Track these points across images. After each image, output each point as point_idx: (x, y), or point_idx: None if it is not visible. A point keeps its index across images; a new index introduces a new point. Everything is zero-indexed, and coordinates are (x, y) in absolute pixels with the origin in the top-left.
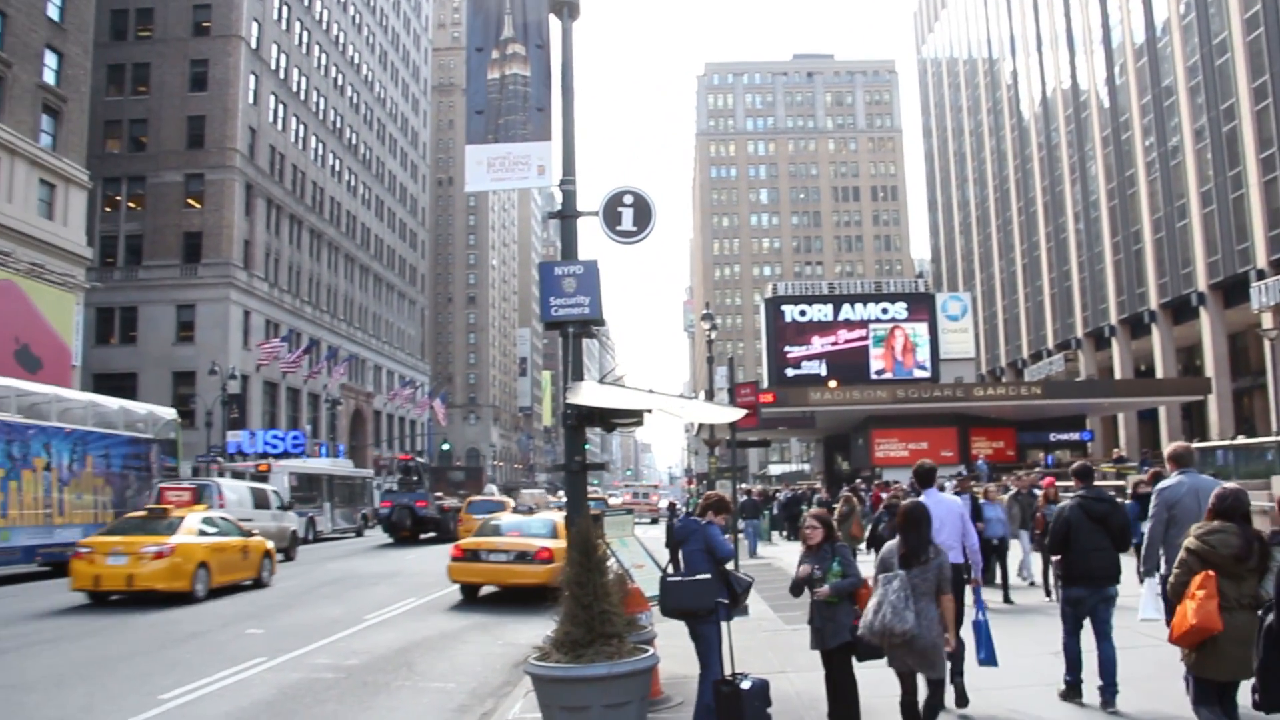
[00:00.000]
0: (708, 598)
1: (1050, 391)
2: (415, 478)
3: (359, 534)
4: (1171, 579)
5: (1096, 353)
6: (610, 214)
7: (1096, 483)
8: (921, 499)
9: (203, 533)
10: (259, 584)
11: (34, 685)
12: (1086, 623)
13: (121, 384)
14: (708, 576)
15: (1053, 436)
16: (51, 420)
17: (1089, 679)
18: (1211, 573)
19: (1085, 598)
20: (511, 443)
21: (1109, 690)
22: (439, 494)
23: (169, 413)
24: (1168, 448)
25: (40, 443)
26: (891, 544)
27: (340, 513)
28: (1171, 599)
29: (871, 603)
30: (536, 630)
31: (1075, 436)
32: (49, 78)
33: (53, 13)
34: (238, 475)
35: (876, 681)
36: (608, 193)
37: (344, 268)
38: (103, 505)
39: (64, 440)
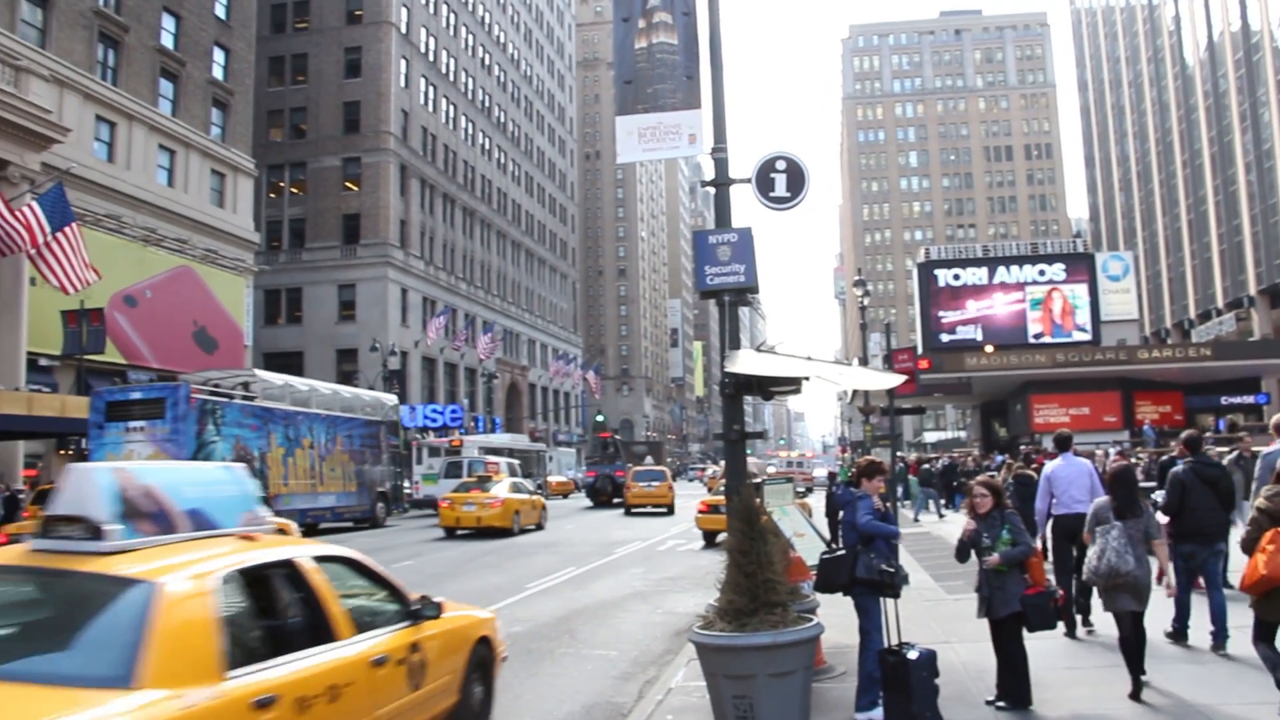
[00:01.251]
0: (838, 577)
1: (1221, 353)
2: (613, 450)
3: None
4: (1244, 535)
5: (1272, 310)
6: (763, 180)
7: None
8: (1059, 461)
9: (515, 490)
10: (539, 528)
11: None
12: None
13: (289, 362)
14: (841, 553)
15: (1224, 400)
16: (311, 407)
17: (1199, 627)
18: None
19: (1196, 552)
20: (664, 413)
21: (1220, 635)
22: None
23: (391, 399)
24: (1275, 417)
25: (306, 426)
26: (1102, 500)
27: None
28: (1244, 552)
29: (1093, 551)
30: (696, 600)
31: (1249, 400)
32: (217, 73)
33: (219, 11)
34: (434, 451)
35: (1045, 652)
36: (760, 159)
37: (496, 244)
38: (348, 476)
39: (321, 423)
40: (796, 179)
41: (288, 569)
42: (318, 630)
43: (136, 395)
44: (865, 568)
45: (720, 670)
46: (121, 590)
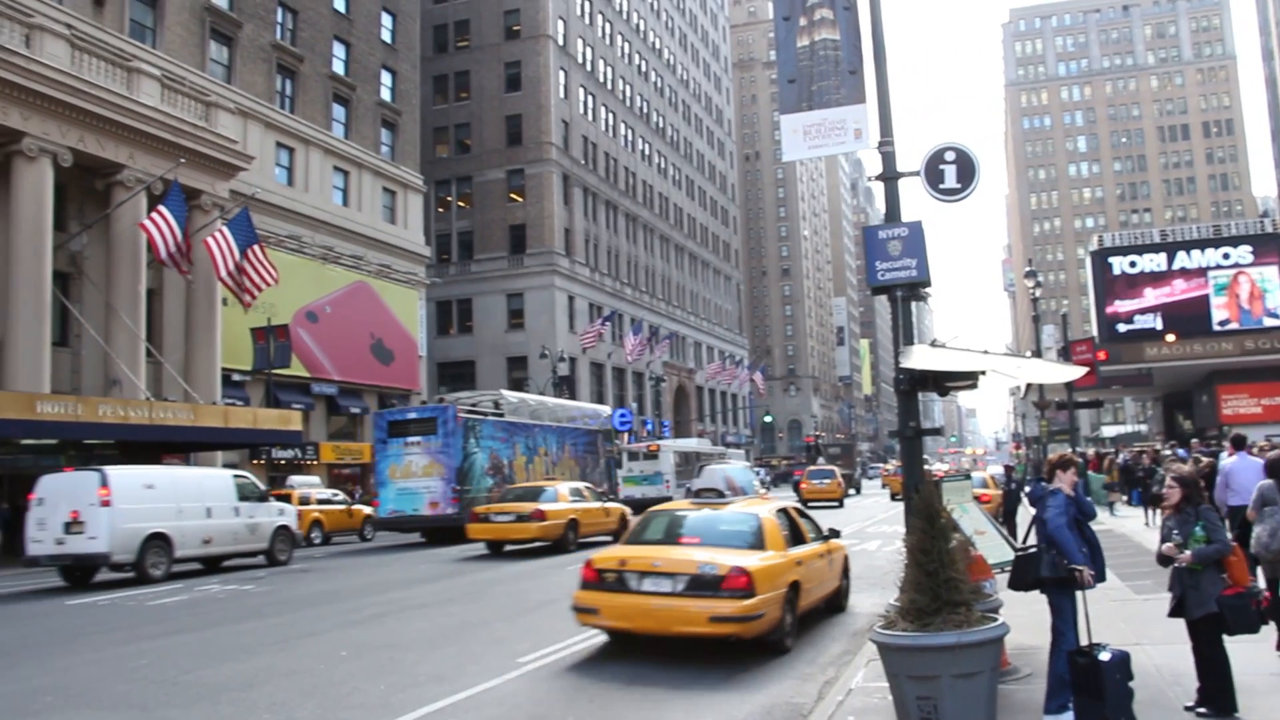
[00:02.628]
0: (1029, 574)
1: None
2: (815, 451)
3: None
4: None
5: None
6: (932, 172)
7: None
8: (1235, 459)
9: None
10: (616, 538)
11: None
12: None
13: (461, 371)
14: (1034, 550)
15: None
16: (544, 420)
17: None
18: None
19: None
20: (832, 413)
21: None
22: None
23: (605, 409)
24: None
25: (541, 436)
26: (1267, 482)
27: None
28: None
29: (1262, 529)
30: (873, 600)
31: None
32: (385, 95)
33: (385, 36)
34: (632, 455)
35: (1252, 656)
36: (929, 150)
37: (659, 248)
38: (573, 479)
39: (553, 434)
40: (966, 170)
41: (786, 510)
42: (802, 537)
43: (412, 415)
44: (1050, 566)
45: (903, 671)
46: (745, 515)
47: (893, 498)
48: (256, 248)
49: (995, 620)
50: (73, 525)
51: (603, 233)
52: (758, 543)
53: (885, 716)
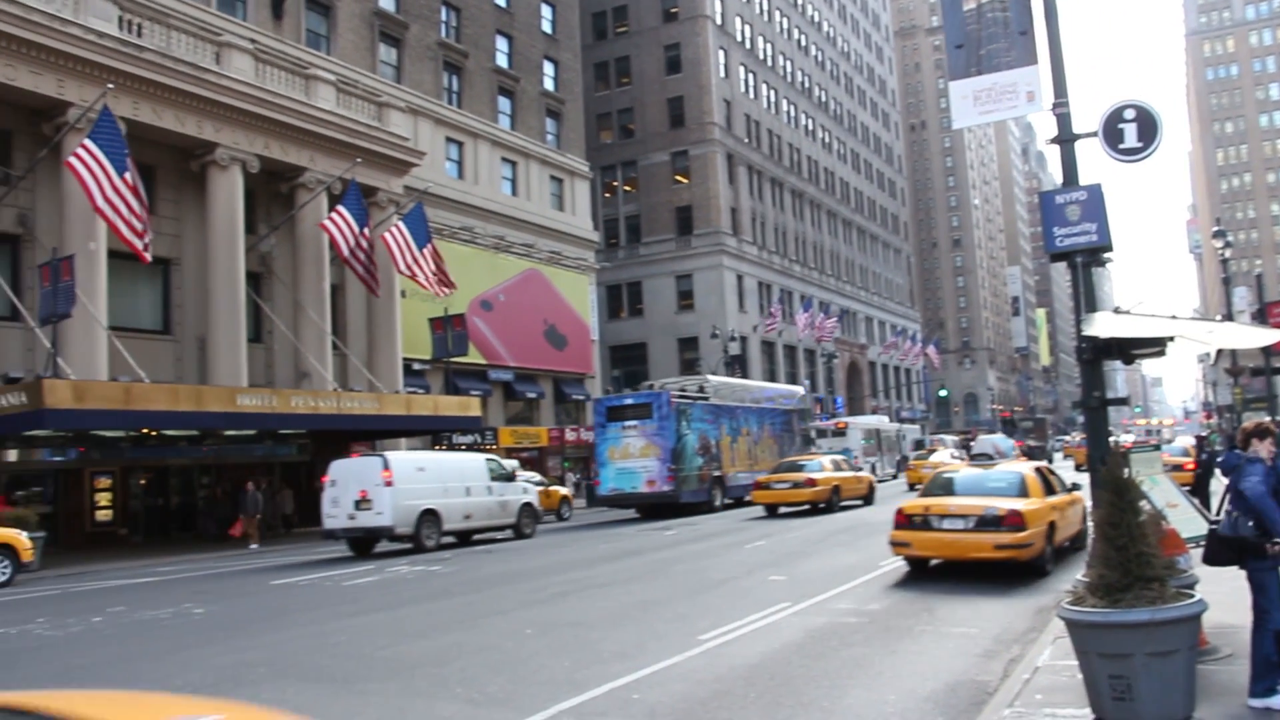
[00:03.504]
0: (1222, 549)
1: None
2: (1012, 427)
3: (894, 477)
4: None
5: None
6: (1110, 132)
7: None
8: None
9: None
10: (867, 502)
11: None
12: None
13: (633, 354)
14: (1226, 523)
15: None
16: (745, 402)
17: None
18: None
19: None
20: (1009, 385)
21: None
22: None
23: (799, 389)
24: None
25: (743, 417)
26: None
27: (887, 459)
28: None
29: None
30: (1057, 575)
31: None
32: (548, 85)
33: (546, 27)
34: (821, 433)
35: None
36: (1107, 109)
37: (827, 224)
38: (773, 456)
39: (753, 415)
40: (1148, 127)
41: (1040, 469)
42: (1053, 489)
43: (629, 401)
44: (1231, 526)
45: (1093, 648)
46: (1012, 473)
47: (1077, 469)
48: (430, 247)
49: (1192, 596)
50: (362, 503)
51: (769, 210)
52: (1023, 492)
53: (1075, 695)
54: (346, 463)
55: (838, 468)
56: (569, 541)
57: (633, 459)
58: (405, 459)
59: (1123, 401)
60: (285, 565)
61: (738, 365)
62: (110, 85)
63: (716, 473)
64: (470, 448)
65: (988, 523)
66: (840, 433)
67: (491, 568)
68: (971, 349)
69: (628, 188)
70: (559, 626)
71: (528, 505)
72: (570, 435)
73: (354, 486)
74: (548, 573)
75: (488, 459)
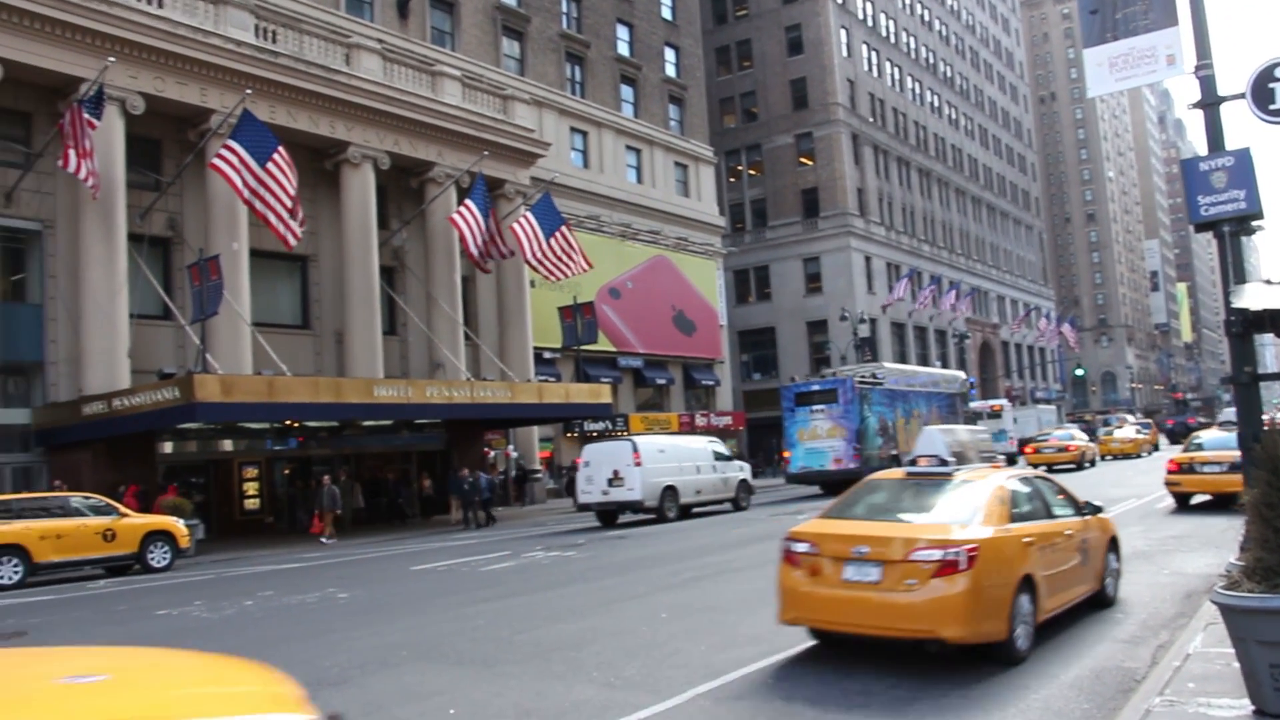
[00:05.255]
0: None
1: None
2: (1184, 406)
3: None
4: None
5: None
6: (1260, 93)
7: None
8: None
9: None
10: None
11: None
12: None
13: (761, 338)
14: None
15: None
16: (914, 386)
17: None
18: None
19: None
20: (1149, 363)
21: None
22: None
23: (961, 374)
24: None
25: (913, 401)
26: None
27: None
28: None
29: None
30: (1206, 560)
31: None
32: (670, 71)
33: (665, 14)
34: (975, 415)
35: None
36: (1255, 69)
37: (955, 201)
38: None
39: (921, 398)
40: None
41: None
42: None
43: (816, 387)
44: None
45: (1252, 635)
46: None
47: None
48: (564, 229)
49: None
50: (614, 481)
51: (896, 190)
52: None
53: (1231, 684)
54: (599, 446)
55: (1081, 438)
56: (705, 526)
57: (820, 440)
58: (649, 443)
59: (1275, 377)
60: (425, 551)
61: (868, 348)
62: (249, 91)
63: (894, 451)
64: (601, 435)
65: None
66: (996, 414)
67: (626, 553)
68: (1108, 326)
69: (752, 171)
70: (694, 611)
71: (743, 481)
72: (700, 421)
73: (607, 467)
74: (682, 557)
75: (710, 442)
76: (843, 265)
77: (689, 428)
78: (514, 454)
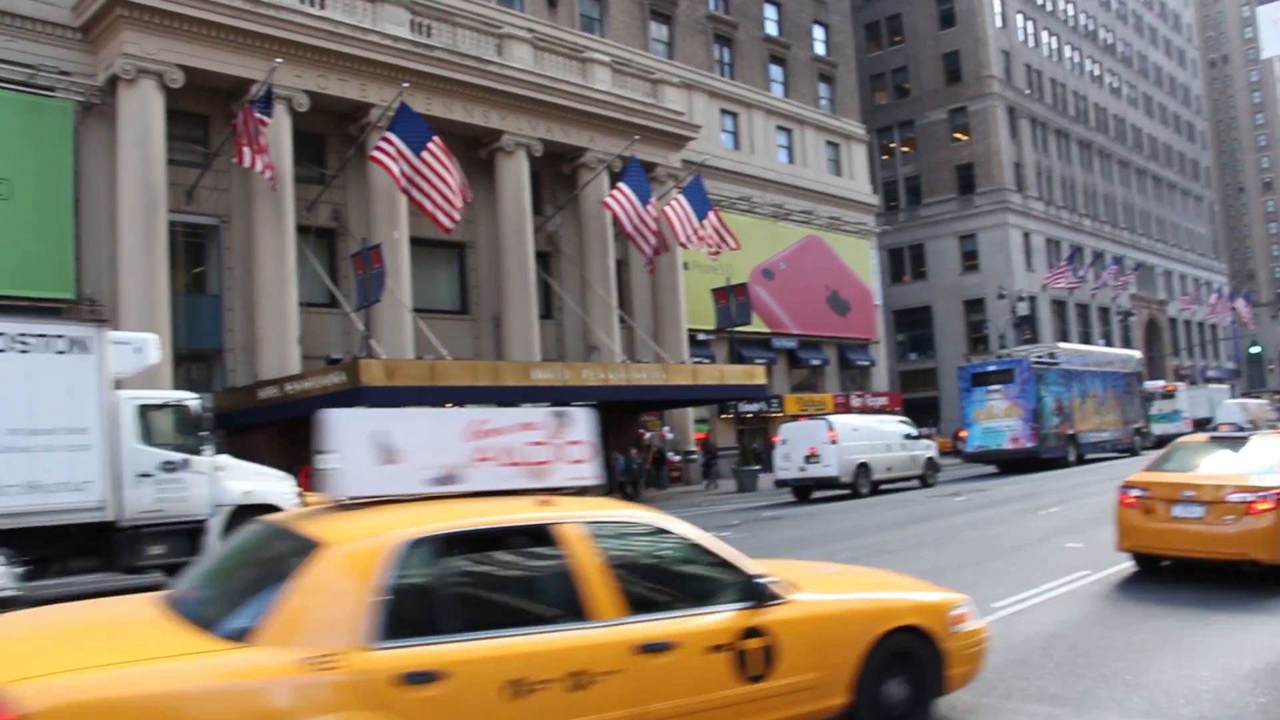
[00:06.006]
0: None
1: None
2: None
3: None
4: None
5: None
6: None
7: None
8: None
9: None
10: None
11: None
12: None
13: (917, 318)
14: None
15: None
16: (1089, 366)
17: None
18: None
19: None
20: None
21: None
22: None
23: (1136, 354)
24: None
25: (1089, 380)
26: None
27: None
28: None
29: None
30: None
31: None
32: (819, 49)
33: None
34: (1150, 395)
35: None
36: None
37: (1117, 174)
38: (1116, 416)
39: (1096, 378)
40: None
41: None
42: None
43: (992, 368)
44: None
45: None
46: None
47: None
48: (713, 214)
49: None
50: (811, 458)
51: (1055, 164)
52: None
53: None
54: (795, 425)
55: None
56: (901, 501)
57: (997, 419)
58: (844, 421)
59: None
60: None
61: (1028, 326)
62: (406, 84)
63: (1070, 431)
64: (756, 416)
65: None
66: (1169, 395)
67: (782, 533)
68: None
69: (905, 148)
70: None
71: (930, 459)
72: (856, 402)
73: (804, 445)
74: (836, 539)
75: (900, 421)
76: (1000, 242)
77: (844, 409)
78: (669, 435)
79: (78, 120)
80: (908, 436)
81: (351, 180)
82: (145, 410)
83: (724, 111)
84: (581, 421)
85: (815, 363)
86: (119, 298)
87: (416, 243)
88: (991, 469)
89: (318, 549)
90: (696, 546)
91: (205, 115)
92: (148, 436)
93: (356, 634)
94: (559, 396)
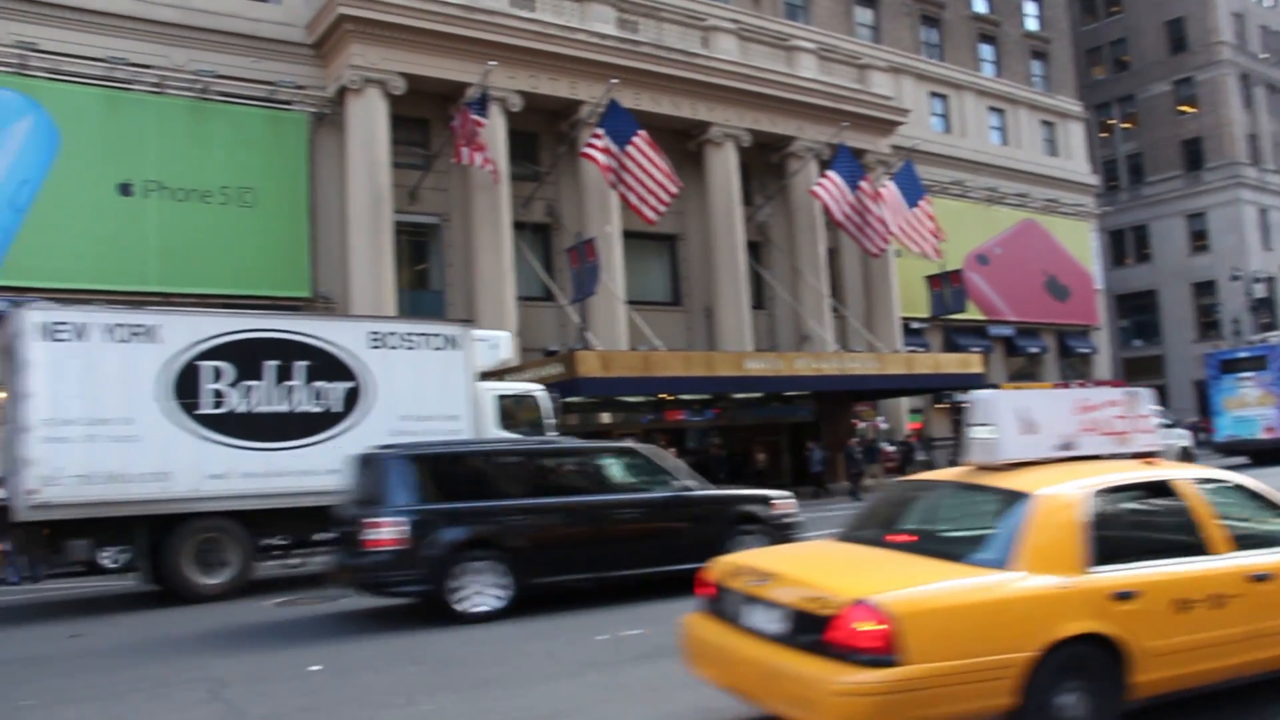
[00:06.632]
0: None
1: None
2: None
3: None
4: None
5: None
6: None
7: None
8: None
9: None
10: None
11: None
12: None
13: (1140, 302)
14: None
15: None
16: None
17: None
18: None
19: None
20: None
21: None
22: None
23: None
24: None
25: None
26: None
27: None
28: None
29: None
30: None
31: None
32: (1031, 25)
33: None
34: None
35: None
36: None
37: None
38: None
39: None
40: None
41: None
42: None
43: (1243, 354)
44: None
45: None
46: None
47: None
48: (924, 201)
49: None
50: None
51: None
52: None
53: None
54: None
55: None
56: None
57: (1249, 408)
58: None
59: None
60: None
61: (1265, 309)
62: (614, 80)
63: None
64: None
65: None
66: None
67: None
68: None
69: (1126, 125)
70: None
71: (1185, 449)
72: None
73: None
74: None
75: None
76: (1233, 220)
77: None
78: (883, 425)
79: (311, 130)
80: (1163, 427)
81: (564, 176)
82: (503, 400)
83: (933, 94)
84: (1147, 400)
85: (1033, 350)
86: (350, 295)
87: (629, 235)
88: (1243, 459)
89: (1030, 499)
90: (1263, 498)
91: (425, 119)
92: (506, 423)
93: (1080, 561)
94: (772, 387)
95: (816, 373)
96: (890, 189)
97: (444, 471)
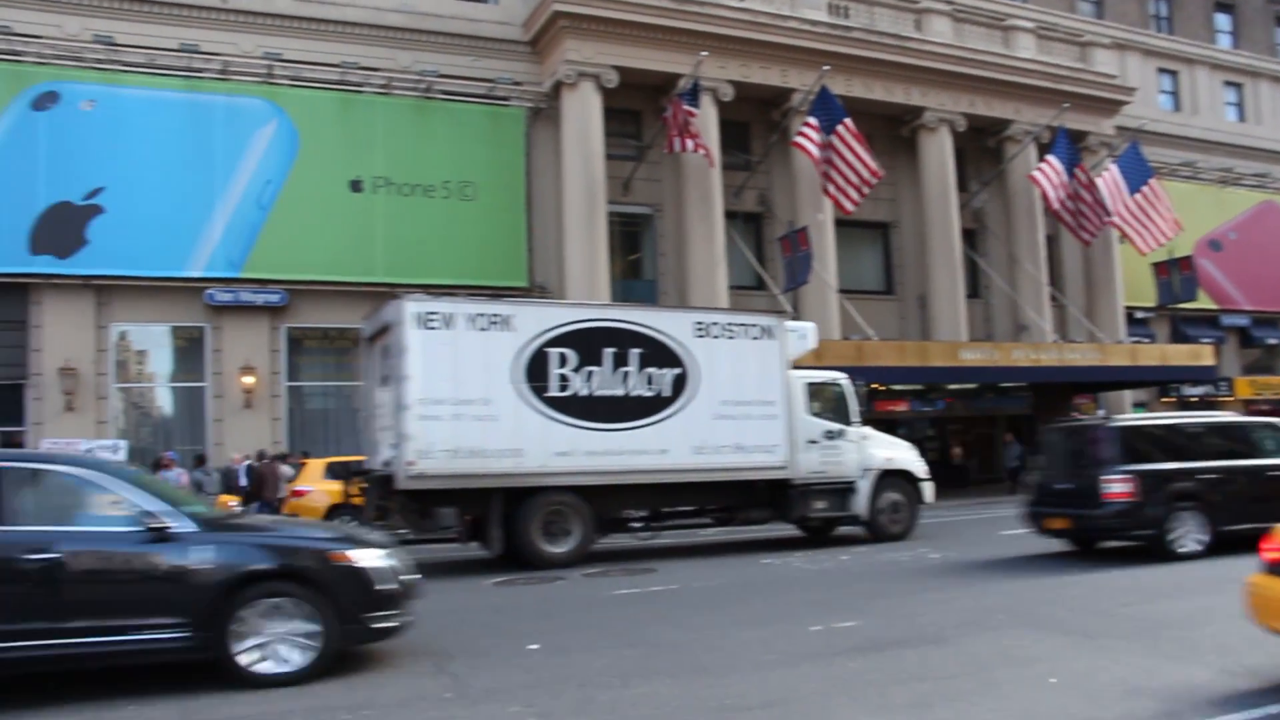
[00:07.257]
0: None
1: None
2: None
3: None
4: None
5: None
6: None
7: None
8: None
9: None
10: None
11: None
12: None
13: None
14: None
15: None
16: None
17: None
18: None
19: None
20: None
21: None
22: None
23: None
24: None
25: None
26: None
27: None
28: None
29: None
30: None
31: None
32: None
33: None
34: None
35: None
36: None
37: None
38: None
39: None
40: None
41: None
42: None
43: None
44: None
45: None
46: None
47: None
48: (1151, 183)
49: None
50: None
51: None
52: None
53: None
54: None
55: None
56: None
57: None
58: None
59: None
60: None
61: None
62: (826, 67)
63: None
64: (1202, 400)
65: None
66: None
67: None
68: None
69: None
70: None
71: None
72: None
73: None
74: None
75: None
76: None
77: None
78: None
79: (528, 125)
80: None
81: (775, 165)
82: (812, 387)
83: (1161, 70)
84: None
85: (1272, 342)
86: (565, 285)
87: (840, 224)
88: None
89: None
90: None
91: (637, 111)
92: (813, 409)
93: None
94: (988, 378)
95: (1035, 363)
96: (1112, 172)
97: (1155, 440)
